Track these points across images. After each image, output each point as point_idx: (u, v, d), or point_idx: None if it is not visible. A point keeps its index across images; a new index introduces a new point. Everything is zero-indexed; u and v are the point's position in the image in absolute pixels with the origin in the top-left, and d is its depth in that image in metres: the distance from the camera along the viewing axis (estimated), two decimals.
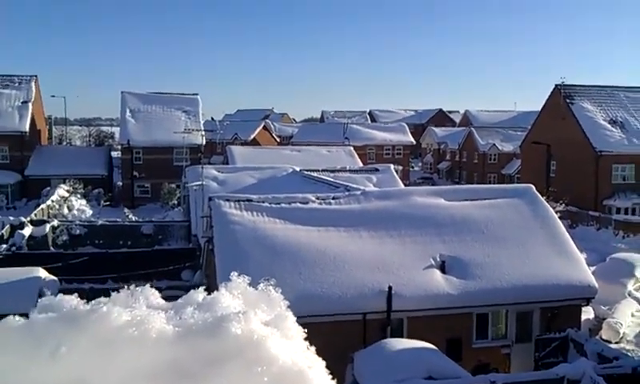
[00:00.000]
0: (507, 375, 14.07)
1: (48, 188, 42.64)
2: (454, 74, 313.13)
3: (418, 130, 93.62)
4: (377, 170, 33.18)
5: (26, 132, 48.40)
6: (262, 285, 1.90)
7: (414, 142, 71.45)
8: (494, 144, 66.66)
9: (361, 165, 40.02)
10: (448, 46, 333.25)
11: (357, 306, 14.11)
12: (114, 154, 59.16)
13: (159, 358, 1.45)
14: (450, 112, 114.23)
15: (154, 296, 1.71)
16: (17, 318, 1.60)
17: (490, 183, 58.57)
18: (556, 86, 45.74)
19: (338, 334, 13.26)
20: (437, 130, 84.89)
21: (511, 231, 16.64)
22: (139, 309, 1.59)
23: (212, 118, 77.13)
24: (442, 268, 15.22)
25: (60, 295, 1.74)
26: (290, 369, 1.50)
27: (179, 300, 1.79)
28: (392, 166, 34.53)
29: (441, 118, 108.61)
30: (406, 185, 41.07)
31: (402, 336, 14.21)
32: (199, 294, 1.79)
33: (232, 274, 1.83)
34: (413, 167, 79.11)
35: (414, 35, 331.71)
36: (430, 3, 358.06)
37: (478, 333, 15.36)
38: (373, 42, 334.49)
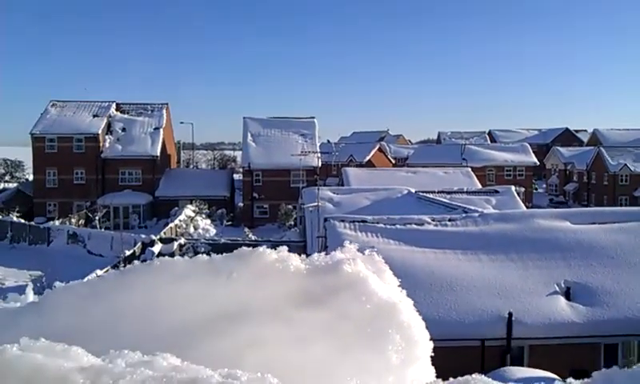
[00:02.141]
0: None
1: (176, 208, 45.37)
2: (581, 92, 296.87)
3: (541, 150, 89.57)
4: (496, 191, 32.07)
5: (157, 156, 51.90)
6: (367, 251, 2.42)
7: (538, 163, 68.33)
8: (626, 164, 62.25)
9: (479, 186, 38.89)
10: (575, 61, 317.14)
11: (475, 331, 13.61)
12: (236, 176, 61.87)
13: (295, 286, 2.07)
14: (577, 131, 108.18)
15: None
16: (204, 256, 2.31)
17: (621, 206, 54.68)
18: None
19: (454, 360, 12.85)
20: (562, 149, 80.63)
21: None
22: (283, 252, 2.24)
23: (328, 141, 78.83)
24: (567, 295, 14.35)
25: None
26: (385, 300, 2.07)
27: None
28: (513, 188, 33.26)
29: (567, 137, 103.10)
30: (528, 207, 39.32)
31: (522, 364, 13.53)
32: (320, 255, 2.34)
33: (345, 241, 2.26)
34: (537, 189, 75.65)
35: (535, 52, 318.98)
36: (557, 18, 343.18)
37: (606, 365, 14.21)
38: (491, 62, 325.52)
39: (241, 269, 2.13)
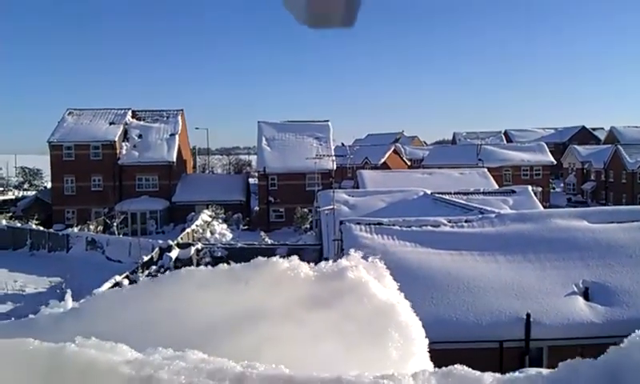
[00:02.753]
0: None
1: (192, 213, 45.57)
2: (597, 90, 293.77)
3: (558, 148, 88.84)
4: (513, 191, 31.84)
5: (173, 162, 52.26)
6: (370, 258, 2.69)
7: (554, 162, 67.75)
8: None
9: (496, 187, 38.66)
10: (590, 59, 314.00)
11: (493, 333, 13.53)
12: (252, 180, 62.05)
13: (305, 290, 2.34)
14: (593, 129, 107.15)
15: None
16: (224, 265, 2.59)
17: None
18: None
19: (472, 362, 12.78)
20: (579, 148, 79.85)
21: None
22: (294, 261, 2.47)
23: (342, 144, 78.79)
24: (586, 295, 14.22)
25: None
26: (385, 302, 2.33)
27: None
28: (530, 188, 33.00)
29: (584, 135, 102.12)
30: (545, 207, 39.01)
31: (541, 366, 13.42)
32: (328, 263, 2.58)
33: (350, 250, 2.45)
34: (554, 188, 75.02)
35: (549, 51, 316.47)
36: (571, 16, 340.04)
37: None
38: (505, 59, 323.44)
39: (256, 276, 2.42)
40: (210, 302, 2.38)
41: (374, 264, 2.62)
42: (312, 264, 2.56)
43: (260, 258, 2.60)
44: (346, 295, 2.34)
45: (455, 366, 2.00)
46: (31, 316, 2.86)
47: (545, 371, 1.93)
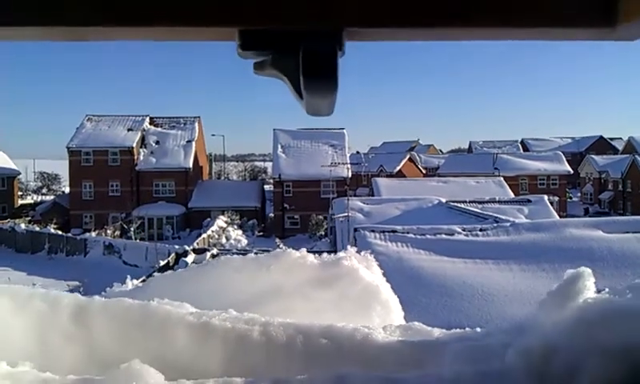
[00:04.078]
0: None
1: (208, 219, 45.93)
2: (615, 99, 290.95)
3: (575, 158, 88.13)
4: (529, 201, 31.72)
5: (189, 168, 52.69)
6: (362, 252, 3.34)
7: (571, 172, 67.27)
8: None
9: (512, 196, 38.52)
10: (608, 68, 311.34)
11: None
12: (267, 187, 62.29)
13: (311, 274, 3.05)
14: (611, 139, 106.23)
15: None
16: (252, 254, 3.35)
17: None
18: None
19: None
20: (597, 158, 79.27)
21: None
22: (303, 252, 3.17)
23: (357, 152, 78.90)
24: None
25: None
26: (370, 284, 3.02)
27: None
28: (545, 197, 32.83)
29: (601, 145, 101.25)
30: (562, 217, 38.76)
31: None
32: (330, 255, 3.29)
33: (347, 246, 3.30)
34: (571, 198, 74.44)
35: (567, 60, 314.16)
36: None
37: None
38: (523, 68, 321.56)
39: (276, 263, 3.12)
40: (242, 282, 3.14)
41: (365, 256, 3.30)
42: (317, 255, 3.28)
43: (278, 249, 3.32)
44: (341, 278, 3.06)
45: (414, 322, 2.47)
46: (103, 293, 3.56)
47: (479, 329, 2.41)
